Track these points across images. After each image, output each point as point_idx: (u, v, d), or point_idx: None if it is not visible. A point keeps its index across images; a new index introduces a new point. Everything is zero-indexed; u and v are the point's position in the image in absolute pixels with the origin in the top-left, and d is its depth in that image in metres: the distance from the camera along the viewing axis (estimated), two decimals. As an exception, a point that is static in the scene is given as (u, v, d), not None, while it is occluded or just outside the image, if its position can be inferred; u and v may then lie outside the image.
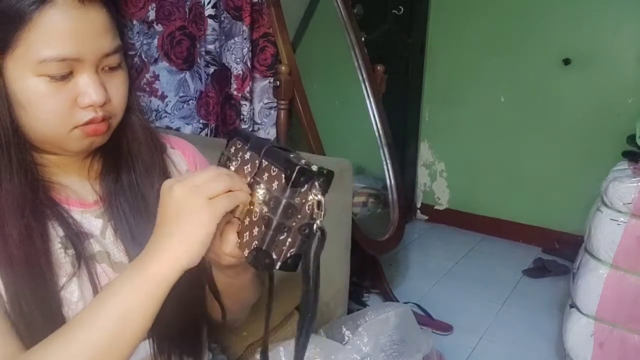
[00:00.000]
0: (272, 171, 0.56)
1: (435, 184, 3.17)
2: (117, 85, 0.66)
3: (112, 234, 0.71)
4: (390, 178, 2.21)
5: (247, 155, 0.61)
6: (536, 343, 1.99)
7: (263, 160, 0.58)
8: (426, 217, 3.23)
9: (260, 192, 0.57)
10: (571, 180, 2.70)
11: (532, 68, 2.71)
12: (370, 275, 2.26)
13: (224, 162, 0.67)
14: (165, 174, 0.75)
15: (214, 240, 0.57)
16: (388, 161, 2.21)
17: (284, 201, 0.53)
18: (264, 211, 0.55)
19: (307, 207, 0.54)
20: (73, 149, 0.66)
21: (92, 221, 0.70)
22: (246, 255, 0.57)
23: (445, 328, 2.06)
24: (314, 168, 0.53)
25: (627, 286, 1.54)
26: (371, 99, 2.20)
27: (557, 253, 2.69)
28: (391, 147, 2.22)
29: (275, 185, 0.55)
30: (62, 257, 0.64)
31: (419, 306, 2.18)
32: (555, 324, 2.04)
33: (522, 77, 2.75)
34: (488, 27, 2.80)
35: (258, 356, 1.09)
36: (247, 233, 0.57)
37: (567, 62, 2.60)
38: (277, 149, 0.58)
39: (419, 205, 3.25)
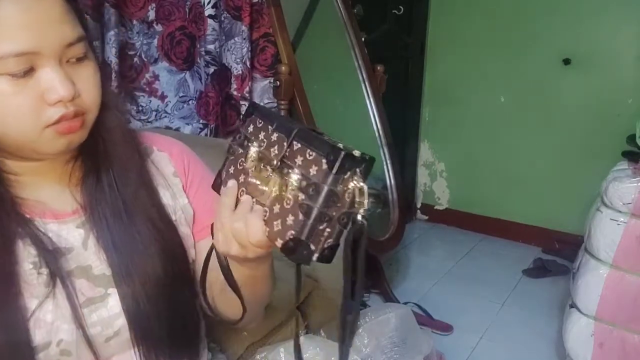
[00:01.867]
0: (307, 155, 0.50)
1: (435, 184, 3.17)
2: (86, 77, 0.62)
3: (94, 244, 0.67)
4: (390, 178, 2.21)
5: (274, 137, 0.55)
6: (536, 343, 1.99)
7: (294, 142, 0.52)
8: (426, 217, 3.23)
9: (295, 177, 0.51)
10: (571, 180, 2.70)
11: (532, 68, 2.71)
12: (371, 275, 2.26)
13: (241, 142, 0.60)
14: (144, 179, 0.71)
15: (239, 232, 0.55)
16: (388, 161, 2.21)
17: (326, 188, 0.48)
18: (300, 198, 0.50)
19: (347, 195, 0.50)
20: (49, 150, 0.61)
21: (73, 232, 0.67)
22: (279, 245, 0.52)
23: (445, 328, 2.06)
24: (357, 154, 0.49)
25: (627, 286, 1.54)
26: (371, 99, 2.20)
27: (557, 253, 2.69)
28: (391, 147, 2.22)
29: (313, 170, 0.49)
30: (35, 278, 0.61)
31: (419, 306, 2.18)
32: (555, 324, 2.04)
33: (522, 77, 2.75)
34: (488, 27, 2.80)
35: (258, 356, 1.09)
36: (279, 221, 0.52)
37: (567, 62, 2.60)
38: (308, 131, 0.52)
39: (419, 205, 3.25)
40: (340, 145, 0.49)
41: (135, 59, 1.68)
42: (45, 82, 0.58)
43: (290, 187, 0.51)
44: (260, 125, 0.58)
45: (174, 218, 0.74)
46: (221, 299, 0.73)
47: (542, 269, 2.55)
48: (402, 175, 2.39)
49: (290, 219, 0.51)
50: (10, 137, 0.59)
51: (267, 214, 0.54)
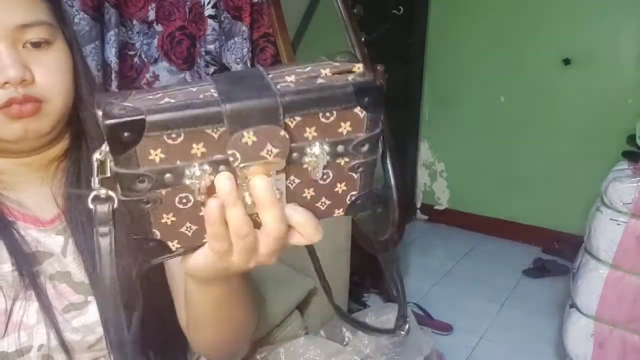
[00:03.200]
0: (323, 118, 0.39)
1: (435, 184, 3.17)
2: (46, 65, 0.59)
3: (73, 251, 0.66)
4: (390, 178, 2.21)
5: (248, 136, 0.37)
6: (536, 343, 1.99)
7: (289, 121, 0.38)
8: (426, 217, 3.23)
9: (317, 151, 0.39)
10: (571, 180, 2.70)
11: (532, 68, 2.71)
12: (371, 274, 2.26)
13: (144, 187, 0.37)
14: None
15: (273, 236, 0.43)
16: (388, 161, 2.21)
17: (375, 132, 0.41)
18: (343, 164, 0.42)
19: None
20: (8, 136, 0.59)
21: (53, 238, 0.65)
22: (342, 213, 0.45)
23: (445, 328, 2.06)
24: (364, 78, 0.40)
25: (627, 286, 1.54)
26: (371, 99, 2.20)
27: (557, 253, 2.69)
28: (391, 147, 2.22)
29: (345, 127, 0.40)
30: (15, 280, 0.61)
31: (419, 306, 2.18)
32: (555, 324, 2.04)
33: (522, 77, 2.75)
34: (488, 28, 2.79)
35: (258, 356, 1.09)
36: (323, 199, 0.43)
37: (567, 62, 2.60)
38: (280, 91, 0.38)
39: (419, 205, 3.25)
40: (350, 78, 0.40)
41: (136, 59, 1.68)
42: None
43: (316, 166, 0.40)
44: (178, 139, 0.36)
45: None
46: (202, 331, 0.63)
47: (542, 269, 2.55)
48: (402, 175, 2.39)
49: (340, 187, 0.43)
50: None
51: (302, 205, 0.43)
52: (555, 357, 1.91)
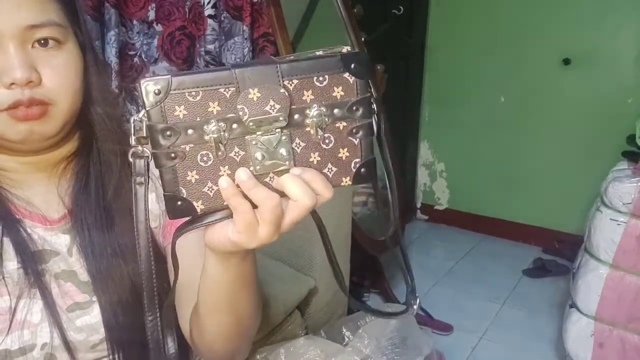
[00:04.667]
0: (317, 82, 0.45)
1: (435, 184, 3.17)
2: (55, 67, 0.58)
3: (78, 251, 0.66)
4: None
5: (252, 94, 0.44)
6: (536, 343, 1.99)
7: (287, 82, 0.44)
8: (426, 217, 3.23)
9: (315, 113, 0.45)
10: (571, 180, 2.70)
11: (532, 68, 2.71)
12: (371, 274, 2.26)
13: (171, 140, 0.44)
14: (131, 186, 0.69)
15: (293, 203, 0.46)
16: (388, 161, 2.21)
17: (366, 96, 0.46)
18: (341, 128, 0.46)
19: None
20: (11, 137, 0.59)
21: (59, 237, 0.65)
22: (349, 182, 0.48)
23: (445, 328, 2.06)
24: (348, 49, 0.47)
25: (627, 286, 1.54)
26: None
27: (557, 253, 2.69)
28: (390, 144, 2.22)
29: (338, 92, 0.45)
30: (20, 278, 0.61)
31: (419, 306, 2.18)
32: (555, 324, 2.04)
33: (522, 77, 2.75)
34: (488, 27, 2.79)
35: (258, 356, 1.09)
36: (329, 166, 0.47)
37: (567, 62, 2.60)
38: (279, 61, 0.45)
39: (419, 205, 3.25)
40: (340, 49, 0.47)
41: (136, 59, 1.68)
42: (2, 63, 0.56)
43: (317, 127, 0.46)
44: (197, 97, 0.43)
45: (154, 225, 0.72)
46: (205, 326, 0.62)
47: (542, 269, 2.55)
48: (402, 175, 2.39)
49: (343, 153, 0.47)
50: None
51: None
52: (555, 357, 1.91)
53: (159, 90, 0.43)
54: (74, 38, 0.62)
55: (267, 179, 0.46)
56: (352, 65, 0.45)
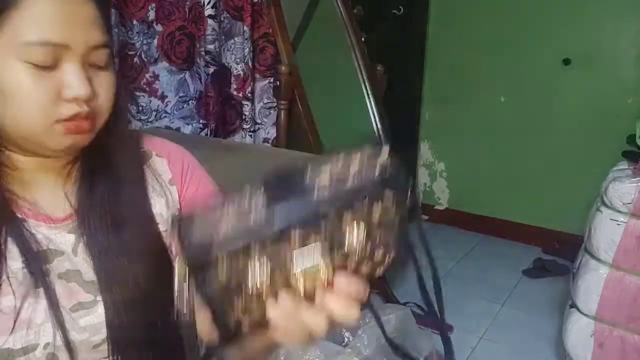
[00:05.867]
0: (354, 221, 0.46)
1: (435, 184, 3.17)
2: (104, 85, 0.62)
3: (84, 250, 0.66)
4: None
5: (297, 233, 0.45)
6: (536, 343, 1.99)
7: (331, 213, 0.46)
8: (426, 217, 3.23)
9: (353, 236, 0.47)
10: (571, 180, 2.70)
11: (532, 68, 2.71)
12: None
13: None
14: (139, 188, 0.70)
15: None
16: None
17: (405, 210, 0.48)
18: (379, 239, 0.48)
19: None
20: (54, 146, 0.61)
21: (64, 237, 0.66)
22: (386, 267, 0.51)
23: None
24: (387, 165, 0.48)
25: (627, 286, 1.54)
26: (371, 99, 2.20)
27: (557, 253, 2.69)
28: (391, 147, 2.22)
29: (376, 213, 0.47)
30: (24, 277, 0.61)
31: (419, 306, 2.18)
32: (555, 324, 2.04)
33: (522, 77, 2.75)
34: (488, 27, 2.80)
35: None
36: (365, 263, 0.49)
37: (567, 62, 2.60)
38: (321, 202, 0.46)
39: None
40: (377, 171, 0.47)
41: (135, 59, 1.68)
42: (66, 78, 0.58)
43: (353, 246, 0.47)
44: (239, 257, 0.45)
45: (163, 229, 0.72)
46: None
47: (542, 269, 2.55)
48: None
49: (378, 254, 0.49)
50: (22, 125, 0.59)
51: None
52: (555, 357, 1.91)
53: (202, 266, 0.44)
54: (112, 57, 0.65)
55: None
56: (393, 191, 0.47)
